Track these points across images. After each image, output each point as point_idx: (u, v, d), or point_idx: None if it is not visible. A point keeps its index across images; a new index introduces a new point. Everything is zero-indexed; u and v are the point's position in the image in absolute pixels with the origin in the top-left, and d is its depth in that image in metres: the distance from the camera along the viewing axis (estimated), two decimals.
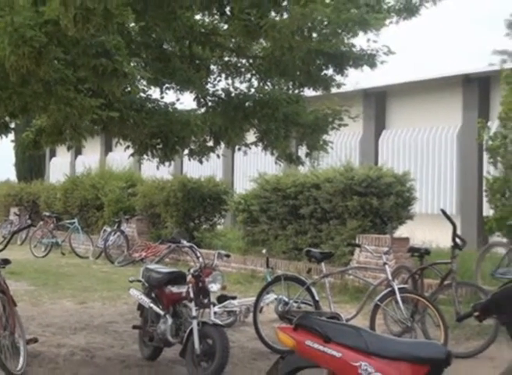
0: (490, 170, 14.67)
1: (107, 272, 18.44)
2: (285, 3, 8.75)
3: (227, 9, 8.44)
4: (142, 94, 9.61)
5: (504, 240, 13.78)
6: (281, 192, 17.17)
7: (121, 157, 19.19)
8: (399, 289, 10.08)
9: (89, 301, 13.99)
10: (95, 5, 6.65)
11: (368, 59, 10.18)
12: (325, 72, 10.05)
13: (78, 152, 32.78)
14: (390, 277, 10.30)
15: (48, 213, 24.75)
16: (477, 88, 20.98)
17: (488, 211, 15.85)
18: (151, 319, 9.62)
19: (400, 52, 11.29)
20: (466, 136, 20.73)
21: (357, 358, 5.47)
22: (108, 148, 32.10)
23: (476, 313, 5.58)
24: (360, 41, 10.12)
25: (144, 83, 9.56)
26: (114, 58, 7.64)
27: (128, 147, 10.46)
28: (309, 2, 8.14)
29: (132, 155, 10.82)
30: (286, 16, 8.75)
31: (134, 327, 10.07)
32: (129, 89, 8.85)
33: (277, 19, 8.80)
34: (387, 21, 9.99)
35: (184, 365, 9.06)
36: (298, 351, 5.76)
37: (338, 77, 10.24)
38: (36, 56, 6.96)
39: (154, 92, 9.97)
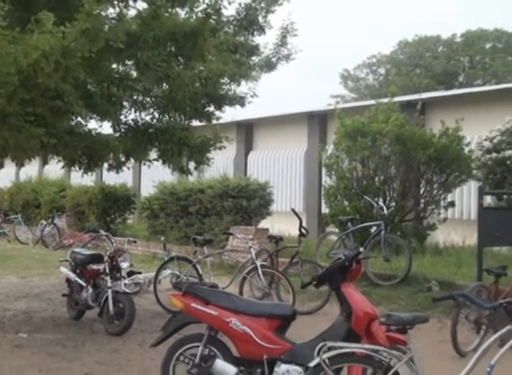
0: (327, 180, 14.91)
1: (43, 254, 18.03)
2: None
3: (141, 62, 8.40)
4: (72, 123, 9.53)
5: (336, 230, 13.96)
6: (175, 195, 17.21)
7: (55, 168, 18.78)
8: (260, 265, 10.27)
9: (29, 276, 13.73)
10: (63, 62, 6.66)
11: (239, 100, 10.32)
12: (207, 108, 10.12)
13: (21, 165, 31.94)
14: (254, 257, 10.46)
15: None
16: (318, 121, 21.28)
17: (325, 209, 16.12)
18: (76, 289, 9.55)
19: (263, 95, 11.47)
20: (310, 156, 21.01)
21: (228, 315, 5.57)
22: (44, 162, 31.28)
23: (314, 282, 5.75)
24: (235, 87, 10.26)
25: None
26: (67, 101, 7.60)
27: (60, 161, 10.33)
28: (208, 59, 8.31)
29: (63, 167, 10.68)
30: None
31: (63, 295, 9.98)
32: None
33: (181, 69, 8.90)
34: (253, 73, 10.15)
35: (101, 323, 9.08)
36: (186, 311, 5.82)
37: (217, 113, 10.33)
38: (8, 96, 6.88)
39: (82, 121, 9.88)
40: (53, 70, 6.69)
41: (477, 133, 13.86)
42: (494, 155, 9.95)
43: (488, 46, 45.81)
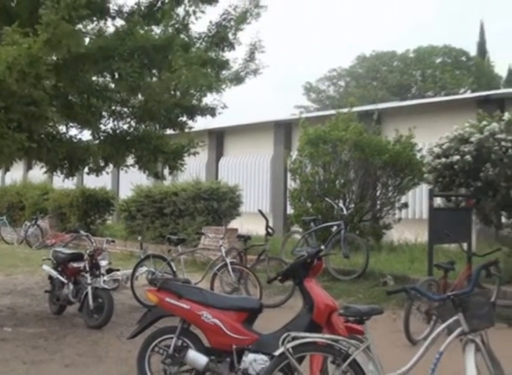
0: (291, 184, 14.98)
1: (27, 253, 17.77)
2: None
3: (116, 74, 8.35)
4: (51, 129, 9.45)
5: (300, 229, 14.04)
6: (151, 198, 17.11)
7: (38, 173, 18.48)
8: (230, 262, 10.29)
9: (13, 274, 13.56)
10: (30, 70, 6.61)
11: (210, 111, 10.32)
12: (180, 118, 10.10)
13: (7, 170, 31.53)
14: (224, 255, 10.48)
15: None
16: (283, 130, 21.32)
17: (290, 210, 16.18)
18: (58, 285, 9.47)
19: (233, 105, 11.46)
20: (276, 161, 21.08)
21: (200, 309, 5.58)
22: (29, 167, 30.86)
23: (280, 277, 5.78)
24: (206, 99, 10.26)
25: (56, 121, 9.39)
26: (40, 107, 7.54)
27: (43, 166, 10.23)
28: (176, 70, 8.28)
29: (46, 172, 10.57)
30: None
31: (46, 291, 9.89)
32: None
33: (153, 80, 8.88)
34: (223, 86, 10.15)
35: (81, 317, 9.00)
36: (160, 305, 5.81)
37: (190, 122, 10.33)
38: None
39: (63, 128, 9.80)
40: (20, 79, 6.66)
41: (428, 140, 14.00)
42: (443, 160, 10.05)
43: (438, 61, 46.38)
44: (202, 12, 9.19)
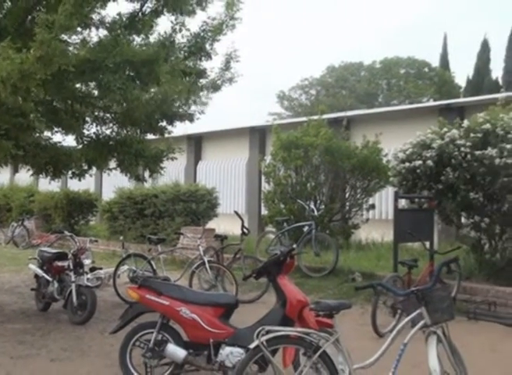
0: (265, 186, 14.99)
1: (14, 253, 17.56)
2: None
3: (103, 86, 8.29)
4: (37, 137, 9.38)
5: (273, 229, 14.03)
6: (132, 199, 17.04)
7: (24, 176, 18.24)
8: (207, 261, 10.24)
9: (1, 273, 13.39)
10: (22, 84, 6.55)
11: (188, 117, 10.30)
12: (161, 124, 10.07)
13: None
14: (202, 254, 10.42)
15: None
16: (258, 135, 21.34)
17: (264, 211, 16.18)
18: (43, 283, 9.37)
19: (211, 112, 11.45)
20: (251, 165, 21.06)
21: (179, 305, 5.57)
22: (15, 170, 30.41)
23: (255, 275, 5.78)
24: (185, 106, 10.23)
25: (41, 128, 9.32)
26: (27, 118, 7.49)
27: (29, 170, 10.14)
28: (162, 83, 8.29)
29: (32, 175, 10.47)
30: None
31: (32, 289, 9.78)
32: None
33: (139, 93, 8.85)
34: (201, 93, 10.16)
35: (66, 313, 8.92)
36: (141, 301, 5.79)
37: (169, 127, 10.29)
38: None
39: (48, 133, 9.72)
40: (11, 92, 6.61)
41: (393, 145, 14.12)
42: (407, 164, 10.13)
43: (402, 71, 46.80)
44: (185, 27, 9.20)
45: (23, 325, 8.59)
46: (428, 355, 4.53)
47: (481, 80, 29.39)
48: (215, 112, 16.27)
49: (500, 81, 29.62)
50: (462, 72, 71.06)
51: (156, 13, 9.06)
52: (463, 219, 10.25)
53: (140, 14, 9.06)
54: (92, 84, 8.91)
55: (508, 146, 9.00)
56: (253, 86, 73.00)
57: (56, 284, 9.11)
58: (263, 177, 15.54)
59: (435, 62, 43.87)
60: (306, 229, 12.04)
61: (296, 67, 76.14)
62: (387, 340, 4.75)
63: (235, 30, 9.74)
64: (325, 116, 15.29)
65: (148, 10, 9.03)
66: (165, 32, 9.08)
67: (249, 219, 19.87)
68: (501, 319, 8.64)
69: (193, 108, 10.21)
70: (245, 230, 11.31)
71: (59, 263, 9.24)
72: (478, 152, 9.26)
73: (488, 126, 9.40)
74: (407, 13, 69.36)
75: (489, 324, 8.60)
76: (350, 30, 73.19)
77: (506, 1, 66.50)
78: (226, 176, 22.41)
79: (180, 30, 9.11)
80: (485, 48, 30.72)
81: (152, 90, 9.26)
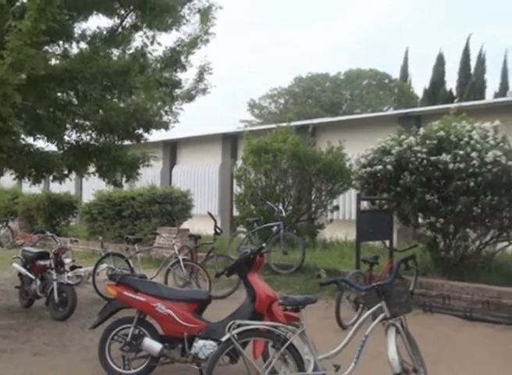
0: (237, 189, 14.95)
1: None
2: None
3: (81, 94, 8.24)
4: (22, 141, 9.27)
5: (244, 229, 14.03)
6: (111, 201, 16.88)
7: (9, 179, 17.95)
8: (182, 259, 10.21)
9: None
10: None
11: (163, 125, 10.27)
12: (137, 131, 10.03)
13: None
14: (177, 252, 10.39)
15: None
16: (230, 141, 21.32)
17: (235, 213, 16.17)
18: (26, 281, 9.27)
19: (185, 119, 11.41)
20: (224, 169, 21.04)
21: (155, 301, 5.56)
22: (0, 174, 30.00)
23: (226, 272, 5.80)
24: (160, 115, 10.19)
25: (23, 135, 9.22)
26: (7, 123, 7.41)
27: (12, 173, 10.03)
28: (136, 93, 8.26)
29: (15, 178, 10.36)
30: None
31: (16, 287, 9.68)
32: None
33: (114, 101, 8.82)
34: (176, 103, 10.14)
35: (48, 310, 8.82)
36: (119, 298, 5.77)
37: (146, 134, 10.26)
38: None
39: (30, 140, 9.60)
40: None
41: (355, 151, 14.20)
42: (368, 169, 10.23)
43: (364, 82, 47.20)
44: (159, 44, 9.21)
45: (8, 321, 8.48)
46: (388, 345, 4.59)
47: (436, 91, 29.75)
48: (189, 120, 16.27)
49: (454, 92, 30.03)
50: (420, 83, 71.96)
51: (135, 28, 9.04)
52: (420, 220, 10.36)
53: (119, 28, 9.02)
54: (72, 93, 8.84)
55: (461, 152, 9.15)
56: (225, 95, 72.98)
57: (39, 282, 9.01)
58: (235, 181, 15.52)
59: (396, 74, 44.37)
60: (275, 229, 12.07)
61: (266, 78, 76.42)
62: (350, 332, 4.80)
63: (208, 43, 9.80)
64: (293, 124, 15.37)
65: (128, 25, 9.01)
66: (138, 46, 9.08)
67: (221, 219, 19.82)
68: (454, 311, 8.77)
69: (166, 117, 10.19)
70: (218, 230, 11.30)
71: (41, 262, 9.14)
72: (433, 158, 9.39)
73: (442, 133, 9.54)
74: (371, 27, 70.12)
75: (444, 316, 8.73)
76: (317, 42, 73.65)
77: (461, 16, 67.80)
78: (200, 180, 22.34)
79: (152, 44, 9.09)
80: (440, 62, 31.08)
81: (129, 100, 9.23)
